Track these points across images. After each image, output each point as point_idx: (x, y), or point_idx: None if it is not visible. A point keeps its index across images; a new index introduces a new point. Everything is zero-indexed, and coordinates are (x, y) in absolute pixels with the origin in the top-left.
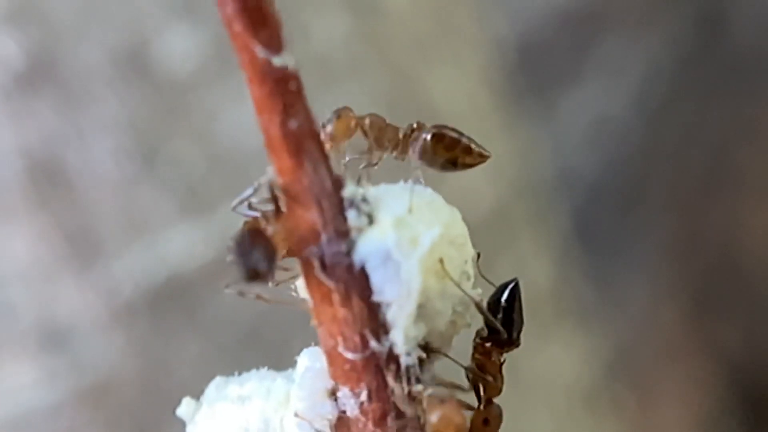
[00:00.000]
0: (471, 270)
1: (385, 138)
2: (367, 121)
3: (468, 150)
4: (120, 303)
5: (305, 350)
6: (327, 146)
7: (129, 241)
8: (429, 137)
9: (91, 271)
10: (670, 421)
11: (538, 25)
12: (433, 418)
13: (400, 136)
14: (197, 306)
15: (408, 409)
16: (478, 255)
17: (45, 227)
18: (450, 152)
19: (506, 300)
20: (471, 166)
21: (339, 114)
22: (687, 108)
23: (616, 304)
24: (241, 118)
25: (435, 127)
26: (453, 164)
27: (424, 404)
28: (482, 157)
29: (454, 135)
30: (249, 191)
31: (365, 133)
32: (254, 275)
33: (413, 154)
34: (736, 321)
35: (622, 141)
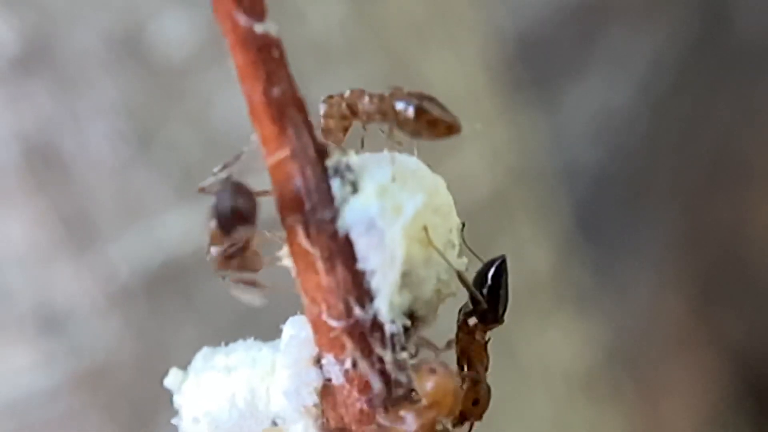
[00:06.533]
0: (456, 239)
1: (373, 112)
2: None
3: (434, 123)
4: (117, 287)
5: (290, 319)
6: (326, 140)
7: (125, 225)
8: (411, 110)
9: (88, 255)
10: (673, 410)
11: (544, 16)
12: (428, 386)
13: (378, 103)
14: (193, 289)
15: (401, 377)
16: (463, 225)
17: (41, 211)
18: (416, 124)
19: (492, 276)
20: (440, 138)
21: (326, 106)
22: (691, 99)
23: (618, 294)
24: (237, 101)
25: (413, 96)
26: (419, 135)
27: (414, 372)
28: (450, 130)
29: (428, 107)
30: (233, 159)
31: (354, 114)
32: (237, 215)
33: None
34: (741, 312)
35: (626, 132)
